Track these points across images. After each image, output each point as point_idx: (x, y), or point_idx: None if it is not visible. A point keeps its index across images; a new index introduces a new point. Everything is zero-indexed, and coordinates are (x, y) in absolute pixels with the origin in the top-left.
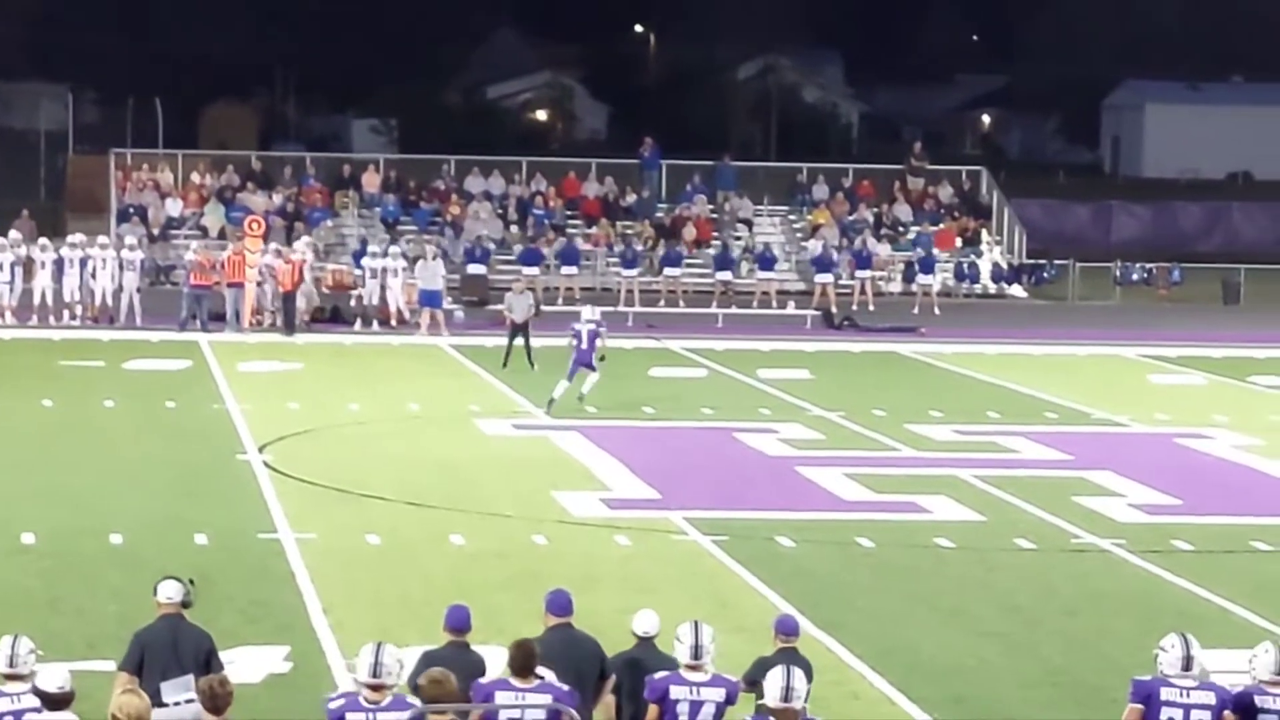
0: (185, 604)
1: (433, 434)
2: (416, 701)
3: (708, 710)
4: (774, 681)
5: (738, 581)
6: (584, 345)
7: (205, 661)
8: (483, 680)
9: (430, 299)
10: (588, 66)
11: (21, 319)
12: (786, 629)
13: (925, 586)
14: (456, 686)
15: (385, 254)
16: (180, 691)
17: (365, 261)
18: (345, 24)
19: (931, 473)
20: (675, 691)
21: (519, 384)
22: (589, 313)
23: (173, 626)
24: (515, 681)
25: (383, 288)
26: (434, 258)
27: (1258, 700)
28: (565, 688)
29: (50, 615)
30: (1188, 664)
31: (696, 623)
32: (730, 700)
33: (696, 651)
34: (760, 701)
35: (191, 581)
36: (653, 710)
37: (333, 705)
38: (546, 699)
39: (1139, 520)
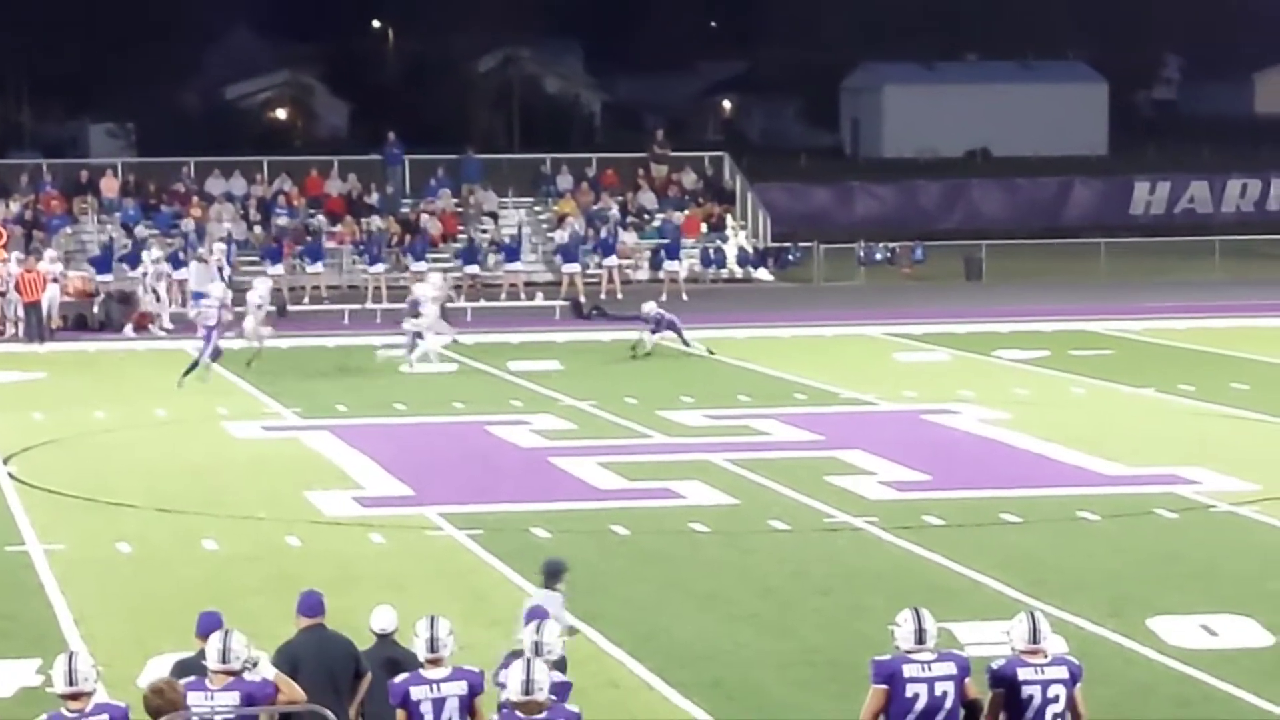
0: None
1: (181, 439)
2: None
3: (451, 705)
4: (515, 675)
5: (494, 575)
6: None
7: None
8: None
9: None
10: (326, 64)
11: None
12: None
13: (681, 572)
14: (179, 694)
15: (157, 260)
16: None
17: (145, 265)
18: (77, 27)
19: (684, 458)
20: (416, 692)
21: (267, 385)
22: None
23: None
24: (209, 682)
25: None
26: (205, 260)
27: (1020, 673)
28: (259, 680)
29: None
30: (921, 637)
31: (433, 617)
32: (474, 692)
33: (433, 645)
34: (505, 697)
35: None
36: (400, 715)
37: None
38: (234, 697)
39: (890, 497)
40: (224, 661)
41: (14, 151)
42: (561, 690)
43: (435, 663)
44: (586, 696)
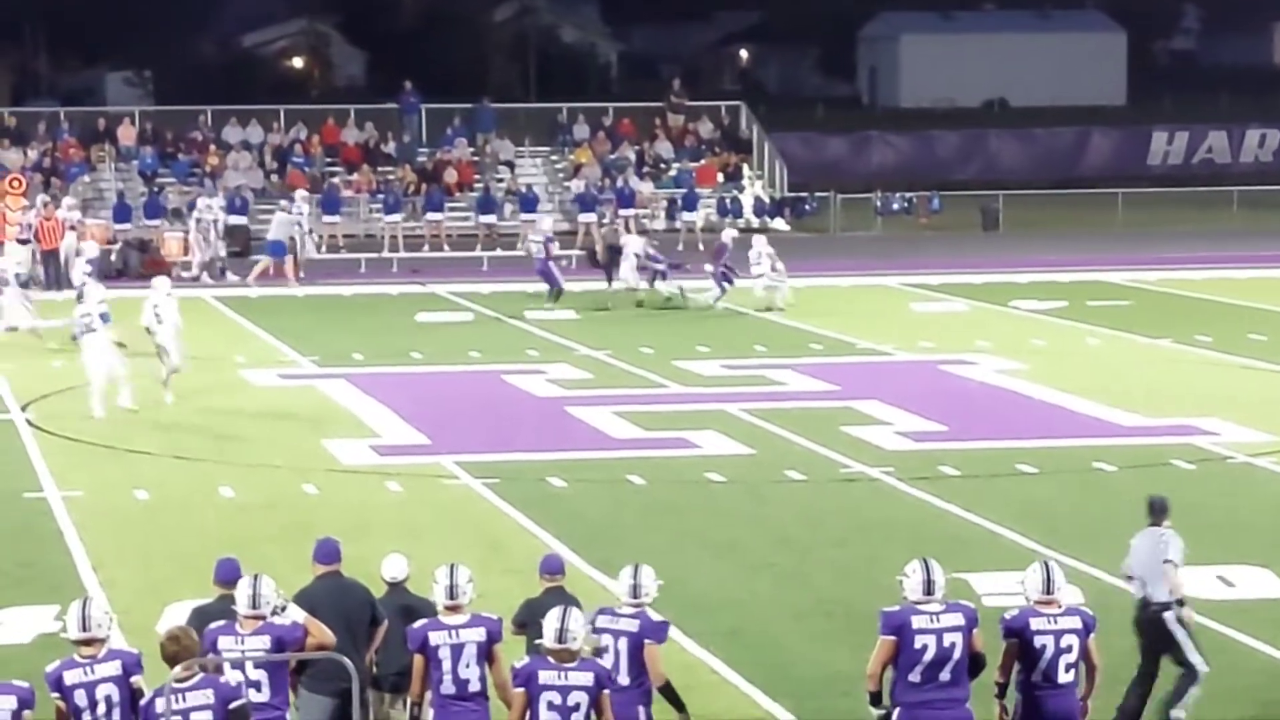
0: None
1: (198, 386)
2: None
3: (469, 651)
4: (550, 623)
5: (510, 524)
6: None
7: None
8: (211, 626)
9: (275, 249)
10: (343, 12)
11: None
12: (551, 568)
13: (697, 522)
14: (196, 641)
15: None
16: None
17: (200, 212)
18: None
19: (700, 408)
20: (435, 637)
21: (282, 332)
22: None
23: None
24: (239, 626)
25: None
26: (286, 210)
27: (1032, 622)
28: (287, 624)
29: None
30: (929, 588)
31: (452, 564)
32: (493, 639)
33: (452, 592)
34: (537, 642)
35: None
36: (418, 660)
37: (49, 670)
38: (265, 641)
39: (906, 448)
40: (254, 607)
41: (32, 100)
42: (660, 629)
43: (454, 609)
44: None
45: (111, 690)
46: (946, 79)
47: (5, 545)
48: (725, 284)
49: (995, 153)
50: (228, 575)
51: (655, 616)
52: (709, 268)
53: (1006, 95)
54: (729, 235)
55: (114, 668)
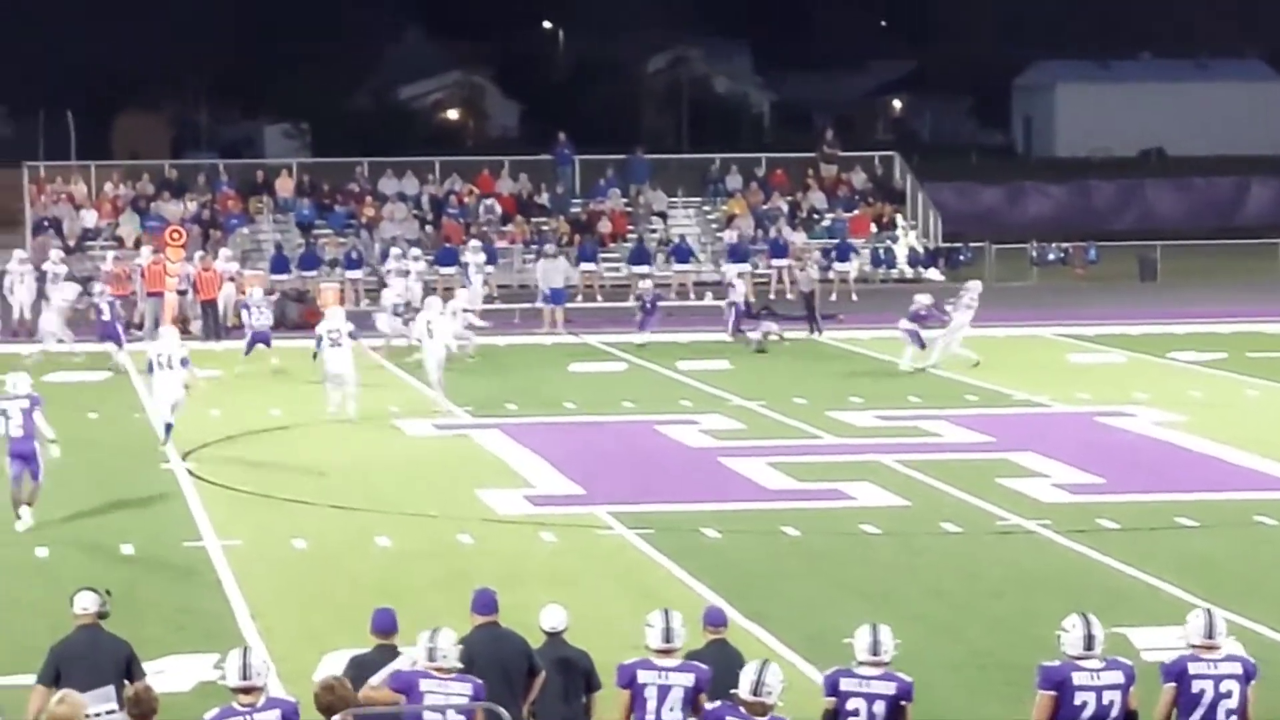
0: (102, 614)
1: (355, 436)
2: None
3: (676, 695)
4: (747, 675)
5: (664, 574)
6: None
7: (125, 670)
8: (404, 669)
9: (555, 296)
10: (497, 64)
11: None
12: (714, 620)
13: (851, 573)
14: (351, 691)
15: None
16: (101, 702)
17: (392, 264)
18: (253, 29)
19: (854, 459)
20: (643, 676)
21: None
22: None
23: (91, 637)
24: (435, 672)
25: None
26: (554, 255)
27: (1192, 667)
28: (480, 682)
29: None
30: (1090, 643)
31: (667, 610)
32: (700, 687)
33: (667, 635)
34: (732, 692)
35: (108, 592)
36: (623, 696)
37: (209, 716)
38: (468, 688)
39: (1063, 500)
40: (431, 660)
41: (191, 152)
42: (911, 689)
43: (667, 653)
44: None
45: None
46: (1102, 128)
47: (166, 593)
48: (918, 344)
49: (1152, 202)
50: (384, 625)
51: (904, 676)
52: (904, 325)
53: (1164, 144)
54: (927, 299)
55: (273, 716)
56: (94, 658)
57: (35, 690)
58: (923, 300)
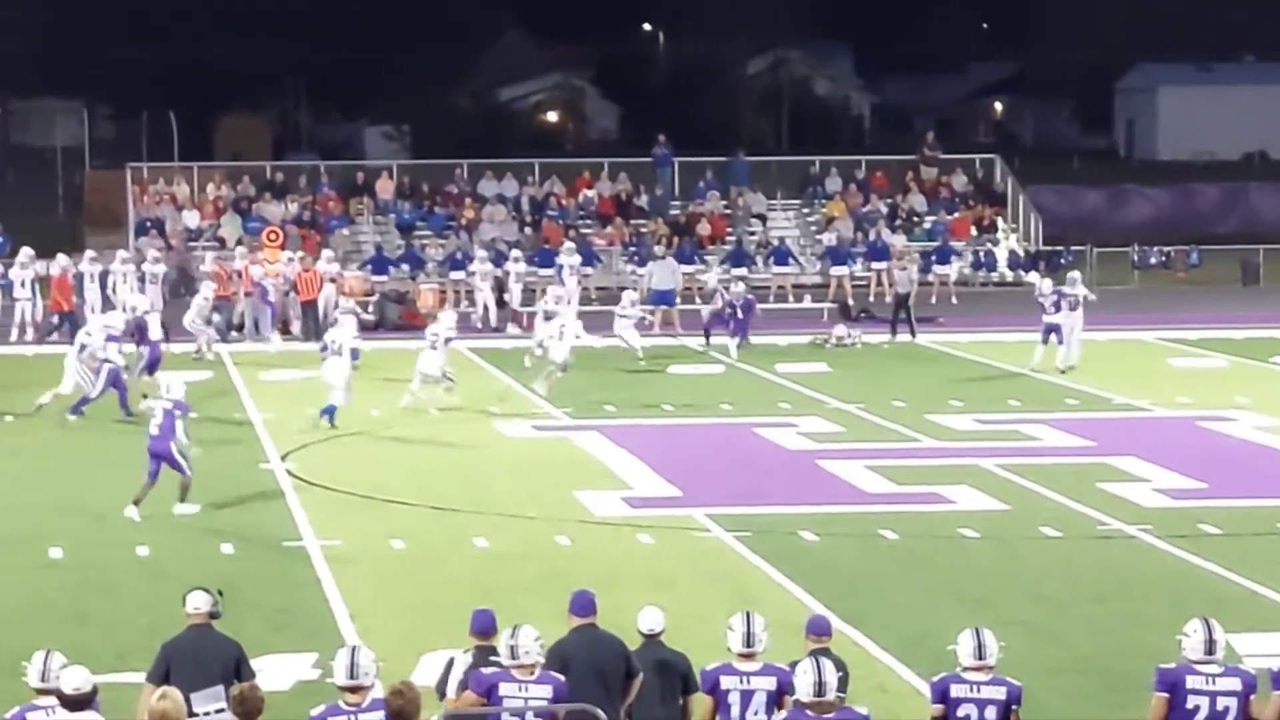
0: (214, 615)
1: (453, 437)
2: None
3: (759, 699)
4: (805, 677)
5: (761, 577)
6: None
7: (235, 670)
8: (485, 671)
9: (663, 298)
10: (597, 66)
11: (42, 335)
12: (818, 629)
13: (950, 577)
14: (419, 695)
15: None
16: (210, 702)
17: (476, 266)
18: (354, 31)
19: (953, 463)
20: (726, 681)
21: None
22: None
23: (200, 637)
24: (517, 673)
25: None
26: (663, 257)
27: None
28: (561, 679)
29: (78, 628)
30: (1210, 648)
31: (748, 612)
32: (783, 689)
33: (749, 639)
34: (794, 698)
35: (220, 592)
36: (706, 701)
37: (314, 713)
38: (548, 690)
39: (1165, 505)
40: (514, 658)
41: (292, 153)
42: (1019, 693)
43: (748, 657)
44: (855, 700)
45: None
46: (1205, 131)
47: (266, 593)
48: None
49: (1255, 206)
50: (484, 626)
51: (1013, 681)
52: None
53: (1267, 148)
54: (1048, 285)
55: (377, 717)
56: (203, 657)
57: (144, 688)
58: (1047, 287)
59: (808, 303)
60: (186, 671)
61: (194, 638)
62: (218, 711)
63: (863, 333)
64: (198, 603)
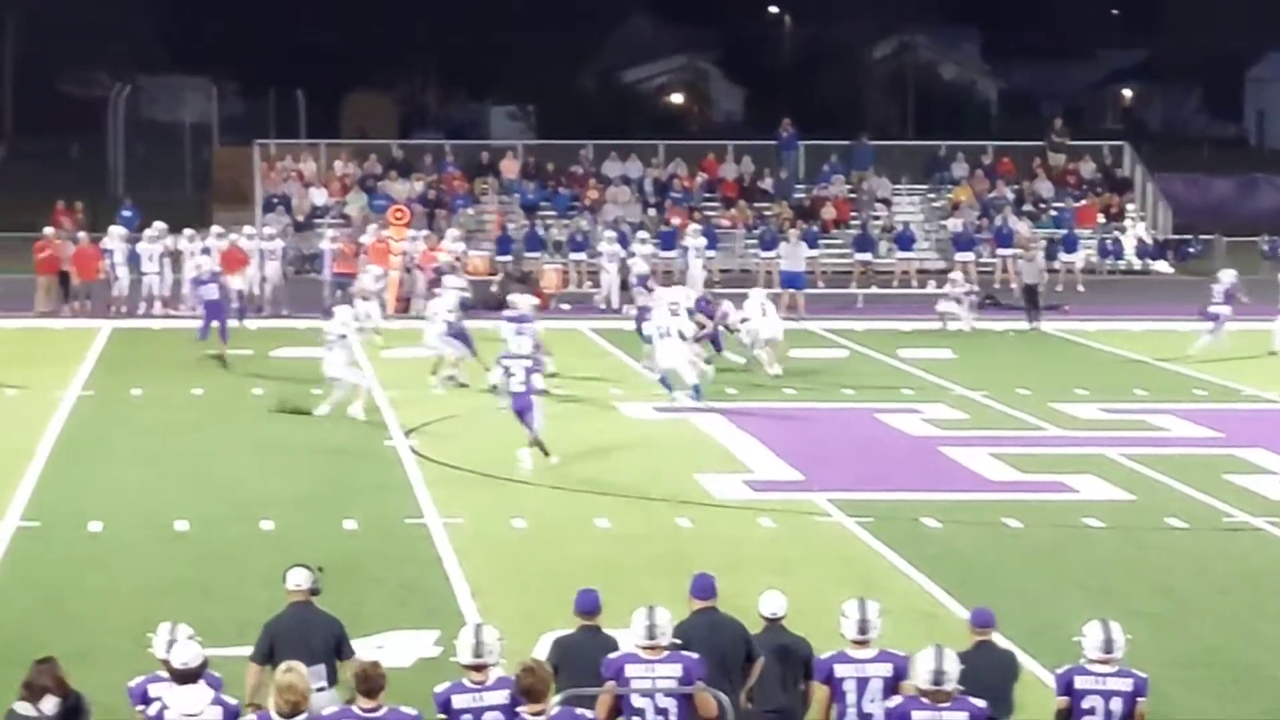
0: (314, 591)
1: (575, 418)
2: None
3: (875, 686)
4: (925, 664)
5: (883, 563)
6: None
7: (336, 648)
8: (612, 655)
9: (792, 280)
10: (723, 49)
11: (171, 309)
12: (979, 621)
13: (1074, 567)
14: (550, 674)
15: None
16: (313, 680)
17: (604, 247)
18: (481, 11)
19: (1078, 452)
20: (841, 669)
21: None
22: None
23: (302, 614)
24: (644, 654)
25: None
26: (795, 241)
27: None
28: (695, 657)
29: (203, 601)
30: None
31: (862, 599)
32: (899, 675)
33: (863, 626)
34: (909, 683)
35: (320, 569)
36: (822, 690)
37: (439, 690)
38: (677, 669)
39: None
40: (651, 638)
41: (418, 132)
42: (1146, 685)
43: (862, 644)
44: None
45: (498, 718)
46: None
47: (388, 570)
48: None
49: None
50: (588, 606)
51: (1139, 673)
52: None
53: None
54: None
55: (502, 696)
56: (306, 634)
57: (250, 668)
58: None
59: (931, 288)
60: (290, 649)
61: (296, 615)
62: (318, 690)
63: (975, 317)
64: (298, 579)
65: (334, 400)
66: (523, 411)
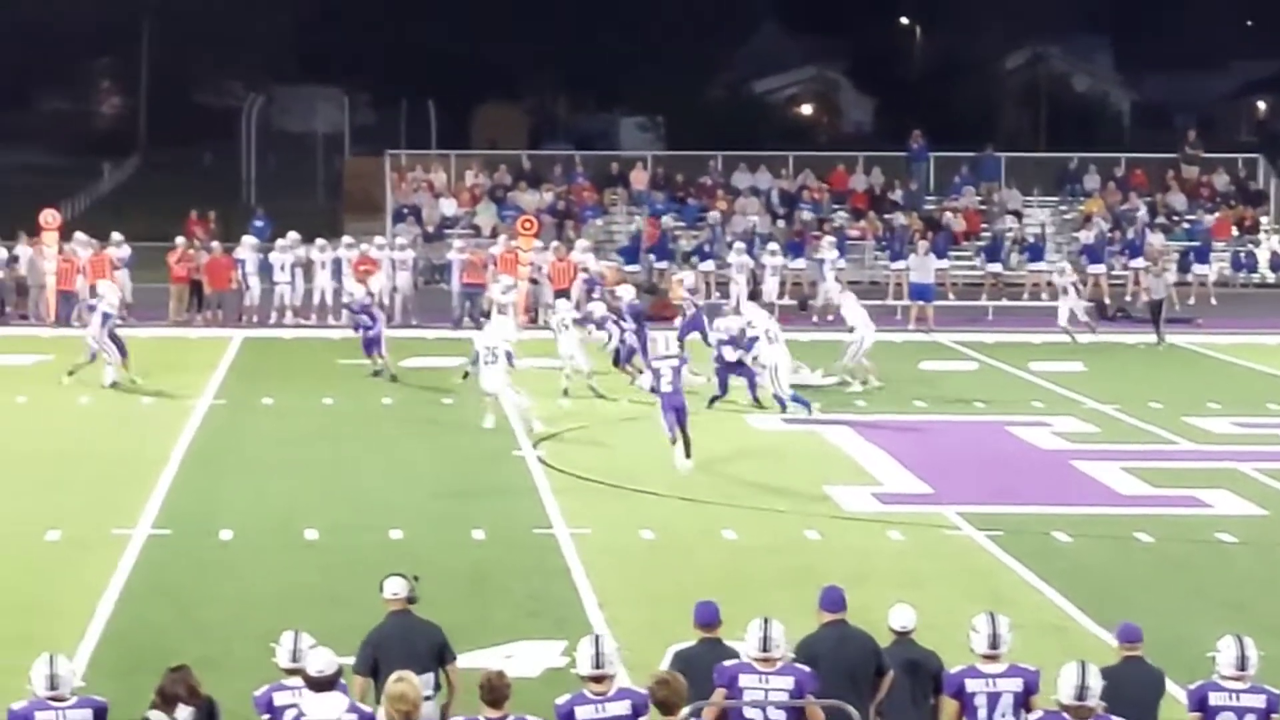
0: (411, 600)
1: (703, 429)
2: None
3: (1006, 701)
4: (1067, 679)
5: (1013, 577)
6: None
7: (439, 655)
8: (726, 663)
9: (922, 292)
10: (853, 59)
11: (303, 318)
12: (1126, 636)
13: (1207, 582)
14: (685, 686)
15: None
16: (422, 689)
17: (733, 258)
18: (611, 22)
19: (1211, 466)
20: (971, 684)
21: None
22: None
23: (403, 623)
24: (759, 665)
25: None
26: (925, 252)
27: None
28: (808, 670)
29: (332, 609)
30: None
31: (992, 613)
32: (1030, 690)
33: (994, 641)
34: (1054, 698)
35: (416, 578)
36: (952, 705)
37: (560, 702)
38: (789, 682)
39: None
40: (764, 650)
41: (548, 142)
42: None
43: (993, 658)
44: None
45: None
46: None
47: (516, 580)
48: None
49: None
50: (708, 618)
51: (1273, 689)
52: None
53: None
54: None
55: (623, 707)
56: (409, 643)
57: (354, 680)
58: None
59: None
60: (395, 659)
61: (398, 624)
62: (425, 698)
63: (1099, 331)
64: (395, 588)
65: (521, 413)
66: (679, 410)
